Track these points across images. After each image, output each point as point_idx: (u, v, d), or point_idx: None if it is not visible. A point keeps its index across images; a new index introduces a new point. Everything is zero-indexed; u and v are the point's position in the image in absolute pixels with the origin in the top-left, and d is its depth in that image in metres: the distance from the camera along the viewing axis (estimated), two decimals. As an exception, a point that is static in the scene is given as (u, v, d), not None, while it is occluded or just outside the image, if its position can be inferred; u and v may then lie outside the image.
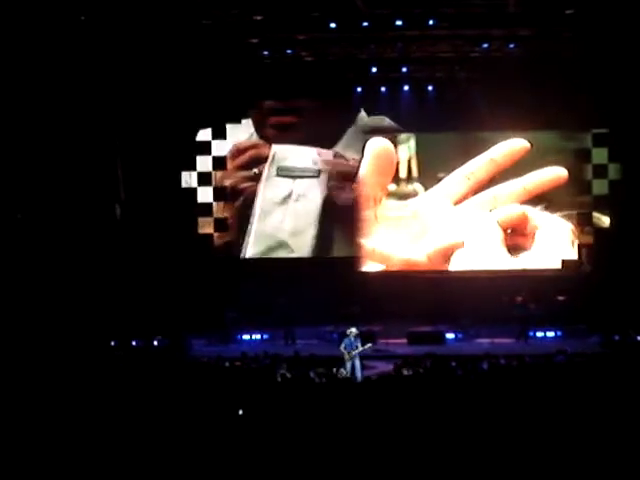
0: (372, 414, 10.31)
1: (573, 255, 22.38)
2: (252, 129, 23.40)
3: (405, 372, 14.75)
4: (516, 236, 22.26)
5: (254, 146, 23.15)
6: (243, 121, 23.29)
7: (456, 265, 22.52)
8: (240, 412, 10.78)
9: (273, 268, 22.91)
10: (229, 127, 23.30)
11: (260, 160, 23.11)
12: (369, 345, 17.55)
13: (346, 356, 17.14)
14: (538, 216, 22.16)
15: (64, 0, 18.00)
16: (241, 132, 23.44)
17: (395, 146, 22.88)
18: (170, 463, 8.59)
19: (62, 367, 14.20)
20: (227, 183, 23.20)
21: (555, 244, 22.31)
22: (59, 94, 20.03)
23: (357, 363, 17.18)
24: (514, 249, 22.27)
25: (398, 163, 23.03)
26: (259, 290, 22.75)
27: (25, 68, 19.12)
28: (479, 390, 12.30)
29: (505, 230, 22.13)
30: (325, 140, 23.22)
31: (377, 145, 22.49)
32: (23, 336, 17.58)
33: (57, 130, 20.34)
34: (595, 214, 22.52)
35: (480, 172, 22.27)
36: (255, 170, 23.05)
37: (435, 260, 22.62)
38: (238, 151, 23.12)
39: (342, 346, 17.37)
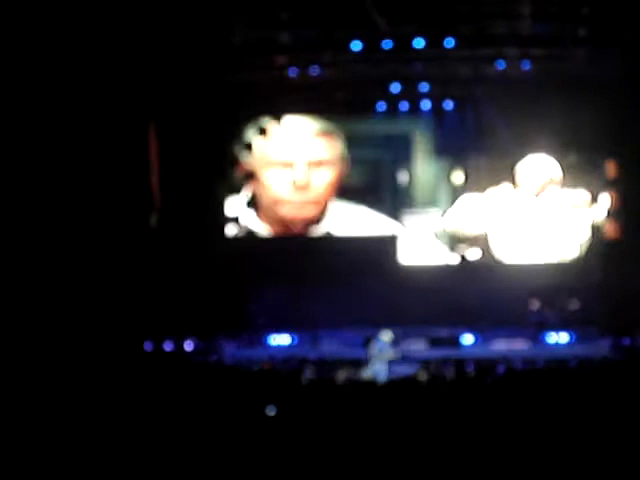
0: (393, 417, 10.72)
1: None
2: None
3: (425, 376, 15.43)
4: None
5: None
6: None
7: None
8: (271, 412, 11.28)
9: (300, 271, 23.54)
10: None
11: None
12: (398, 354, 18.29)
13: (374, 359, 17.80)
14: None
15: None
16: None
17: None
18: (198, 463, 9.02)
19: (94, 369, 14.66)
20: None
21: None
22: (94, 99, 20.70)
23: (383, 367, 17.89)
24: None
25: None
26: (286, 293, 23.63)
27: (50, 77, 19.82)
28: (495, 394, 12.88)
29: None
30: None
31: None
32: (56, 339, 18.08)
33: (93, 137, 20.97)
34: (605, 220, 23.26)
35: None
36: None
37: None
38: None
39: (373, 348, 18.05)
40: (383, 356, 17.76)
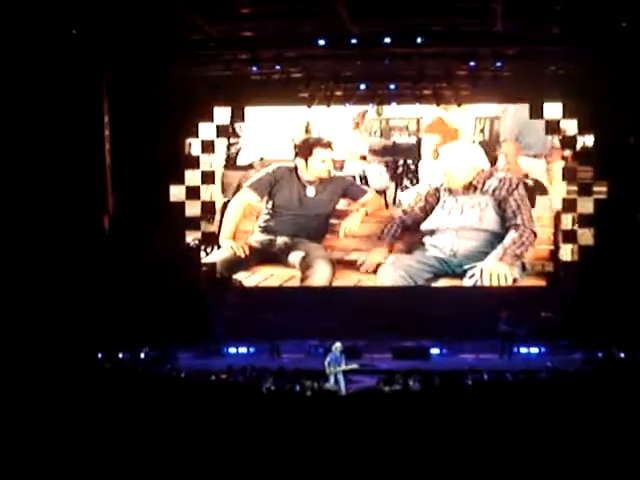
0: (354, 429, 10.39)
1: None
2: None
3: (387, 388, 14.92)
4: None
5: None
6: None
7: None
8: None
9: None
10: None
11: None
12: (354, 366, 17.75)
13: (329, 370, 17.34)
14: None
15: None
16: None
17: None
18: (151, 473, 8.63)
19: (48, 378, 14.22)
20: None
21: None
22: (48, 100, 20.10)
23: (340, 378, 17.38)
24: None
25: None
26: (244, 303, 22.96)
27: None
28: (462, 406, 12.41)
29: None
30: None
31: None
32: (6, 348, 17.42)
33: (44, 141, 20.37)
34: (579, 230, 22.58)
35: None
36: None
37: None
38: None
39: (326, 360, 17.56)
40: (336, 368, 17.36)
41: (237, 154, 23.68)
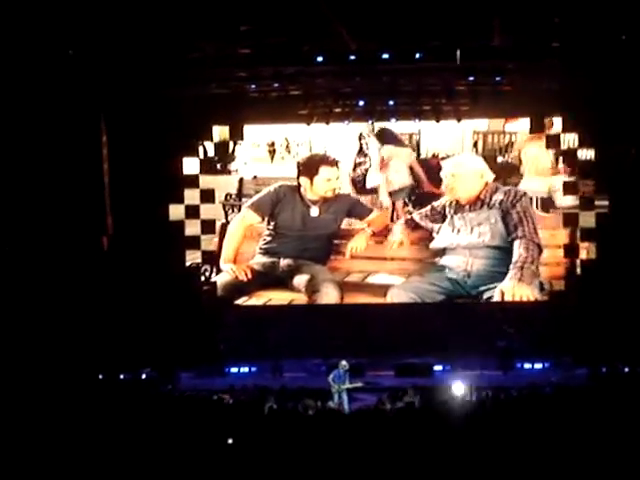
0: (358, 447, 10.31)
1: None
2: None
3: (388, 405, 14.84)
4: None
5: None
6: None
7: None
8: (230, 441, 10.81)
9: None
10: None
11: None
12: (358, 384, 17.71)
13: (333, 388, 17.22)
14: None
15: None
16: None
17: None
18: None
19: (49, 400, 14.15)
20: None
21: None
22: (45, 120, 20.14)
23: (344, 396, 17.26)
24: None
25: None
26: (246, 322, 22.82)
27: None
28: (466, 422, 12.32)
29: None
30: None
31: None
32: (8, 371, 17.29)
33: (43, 161, 20.39)
34: (582, 245, 22.39)
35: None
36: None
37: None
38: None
39: (330, 377, 17.44)
40: (340, 385, 17.24)
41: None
